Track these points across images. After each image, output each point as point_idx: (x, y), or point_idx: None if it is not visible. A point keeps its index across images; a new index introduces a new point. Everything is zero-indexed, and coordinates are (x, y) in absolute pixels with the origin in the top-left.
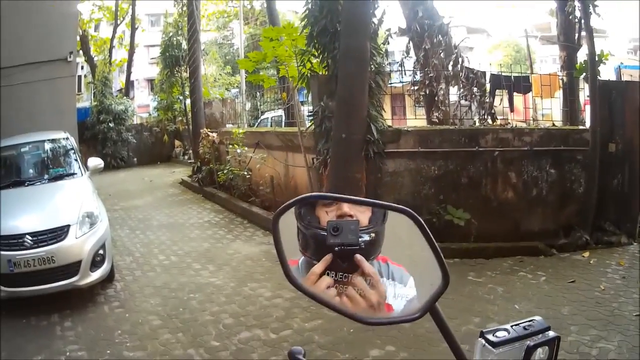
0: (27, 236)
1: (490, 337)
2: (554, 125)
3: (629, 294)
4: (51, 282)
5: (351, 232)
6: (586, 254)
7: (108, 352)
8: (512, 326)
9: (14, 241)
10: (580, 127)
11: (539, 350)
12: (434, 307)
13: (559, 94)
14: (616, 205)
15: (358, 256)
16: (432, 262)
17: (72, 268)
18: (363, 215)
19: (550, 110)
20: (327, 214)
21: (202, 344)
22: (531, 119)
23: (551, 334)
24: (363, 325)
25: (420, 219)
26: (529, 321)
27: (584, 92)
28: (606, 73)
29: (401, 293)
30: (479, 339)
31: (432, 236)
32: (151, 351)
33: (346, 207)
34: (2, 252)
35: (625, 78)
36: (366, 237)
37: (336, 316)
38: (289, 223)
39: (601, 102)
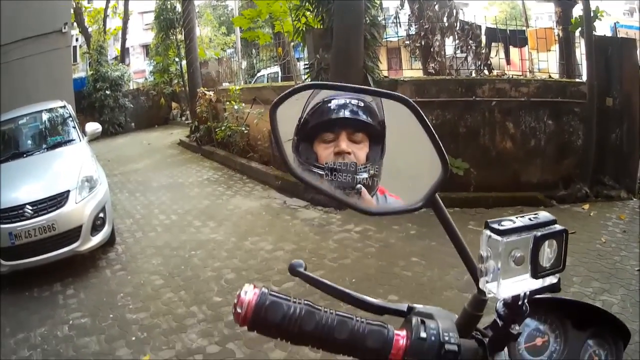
0: (27, 206)
1: (496, 226)
2: (550, 77)
3: (630, 248)
4: (53, 250)
5: (349, 173)
6: (586, 207)
7: (111, 316)
8: (517, 217)
9: (14, 213)
10: (577, 80)
11: (547, 250)
12: (434, 198)
13: (555, 48)
14: (615, 160)
15: (359, 186)
16: (431, 153)
17: (73, 234)
18: (361, 151)
19: (546, 63)
20: (325, 150)
21: (204, 301)
22: (528, 71)
23: (558, 227)
24: (365, 275)
25: (417, 106)
26: (534, 214)
27: (580, 48)
28: (602, 30)
29: None
30: (484, 230)
31: (429, 123)
32: (154, 311)
33: (344, 145)
34: (4, 225)
35: (621, 35)
36: (364, 175)
37: (338, 267)
38: (287, 113)
39: (597, 57)
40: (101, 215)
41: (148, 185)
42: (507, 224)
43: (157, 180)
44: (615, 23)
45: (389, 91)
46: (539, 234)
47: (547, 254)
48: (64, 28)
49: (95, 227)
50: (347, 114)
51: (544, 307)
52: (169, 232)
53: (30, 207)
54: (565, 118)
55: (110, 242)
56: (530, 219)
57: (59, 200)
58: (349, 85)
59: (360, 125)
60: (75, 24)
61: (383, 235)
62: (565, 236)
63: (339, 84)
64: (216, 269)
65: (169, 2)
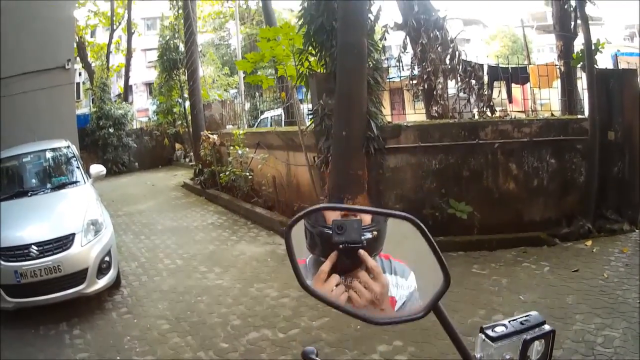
0: (33, 246)
1: (489, 332)
2: (552, 115)
3: (632, 281)
4: (58, 291)
5: (354, 231)
6: (589, 243)
7: (118, 358)
8: (509, 321)
9: (20, 252)
10: (579, 116)
11: (536, 343)
12: (437, 306)
13: (557, 83)
14: (617, 193)
15: (361, 252)
16: (434, 264)
17: (79, 276)
18: (366, 215)
19: (548, 100)
20: (332, 214)
21: (211, 346)
22: (530, 109)
23: (547, 327)
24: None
25: (422, 225)
26: (526, 316)
27: (581, 81)
28: (603, 61)
29: (403, 285)
30: (479, 334)
31: (433, 240)
32: (161, 355)
33: None
34: (9, 263)
35: (622, 65)
36: (369, 235)
37: (343, 314)
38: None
39: (599, 91)
40: (107, 258)
41: (153, 227)
42: (499, 330)
43: (162, 223)
44: (616, 52)
45: (396, 212)
46: (528, 337)
47: (537, 348)
48: (67, 64)
49: (101, 270)
50: (372, 214)
51: None
52: (174, 276)
53: (35, 248)
54: (567, 155)
55: (115, 284)
56: (521, 322)
57: (64, 242)
58: (358, 207)
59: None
60: (78, 58)
61: None
62: (553, 335)
63: (349, 206)
64: (222, 315)
65: (172, 42)
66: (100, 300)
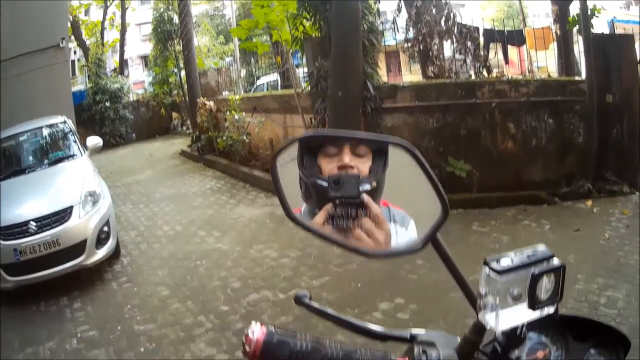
0: (31, 222)
1: (494, 265)
2: (549, 76)
3: (633, 243)
4: (58, 264)
5: (352, 186)
6: (589, 203)
7: (119, 328)
8: (515, 254)
9: (19, 229)
10: (577, 78)
11: (545, 280)
12: (435, 238)
13: (554, 46)
14: (617, 155)
15: (366, 197)
16: (432, 194)
17: (78, 248)
18: (364, 165)
19: (545, 62)
20: (328, 163)
21: (211, 310)
22: (527, 71)
23: (556, 262)
24: (370, 279)
25: (416, 151)
26: (532, 249)
27: (578, 46)
28: (600, 27)
29: (403, 234)
30: (484, 266)
31: (428, 167)
32: (162, 322)
33: (347, 159)
34: (8, 242)
35: (618, 31)
36: (367, 187)
37: (343, 272)
38: (287, 165)
39: (596, 54)
40: (105, 228)
41: (151, 196)
42: (505, 262)
43: (160, 191)
44: (612, 19)
45: (387, 137)
46: (536, 271)
47: (545, 285)
48: (62, 43)
49: (100, 241)
50: (364, 142)
51: (545, 321)
52: (173, 243)
53: (34, 223)
54: (565, 116)
55: (115, 254)
56: (528, 256)
57: (62, 215)
58: (347, 134)
59: (363, 140)
60: (72, 37)
61: None
62: (563, 271)
63: (339, 133)
64: (222, 279)
65: (165, 14)
66: (100, 271)
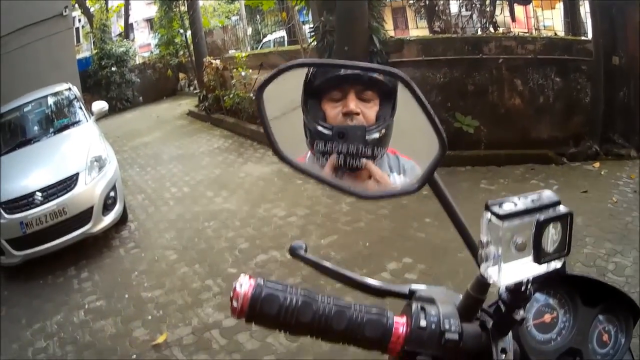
0: (37, 193)
1: (496, 209)
2: (556, 35)
3: None
4: (65, 234)
5: (358, 138)
6: (597, 165)
7: (126, 296)
8: (519, 198)
9: (24, 201)
10: (583, 38)
11: (551, 232)
12: (432, 178)
13: (560, 5)
14: (623, 119)
15: (368, 163)
16: (429, 130)
17: (85, 216)
18: (370, 110)
19: (551, 20)
20: (333, 109)
21: (219, 273)
22: (533, 28)
23: (562, 208)
24: (379, 238)
25: (411, 82)
26: (537, 193)
27: (584, 7)
28: None
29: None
30: (485, 211)
31: (425, 100)
32: (169, 288)
33: (352, 105)
34: (14, 215)
35: None
36: (375, 135)
37: (352, 230)
38: (276, 95)
39: (602, 16)
40: (112, 194)
41: (158, 158)
42: (508, 207)
43: (168, 153)
44: None
45: (382, 66)
46: (542, 217)
47: (552, 236)
48: (65, 11)
49: (107, 207)
50: (356, 70)
51: (553, 283)
52: (181, 204)
53: (40, 194)
54: (572, 75)
55: (122, 220)
56: (532, 200)
57: (68, 183)
58: (339, 61)
59: (370, 83)
60: (76, 5)
61: None
62: (570, 219)
63: (327, 60)
64: (230, 240)
65: None
66: (107, 238)
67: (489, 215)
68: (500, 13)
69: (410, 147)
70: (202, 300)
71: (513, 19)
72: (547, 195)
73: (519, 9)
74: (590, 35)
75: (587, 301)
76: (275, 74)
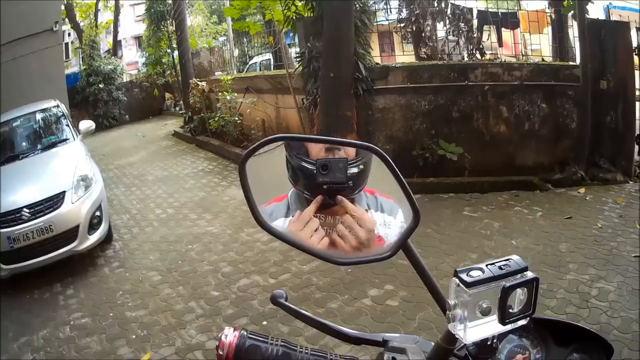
0: (25, 209)
1: (464, 276)
2: (543, 60)
3: (627, 233)
4: (51, 251)
5: (340, 170)
6: (582, 190)
7: (111, 314)
8: (487, 265)
9: (12, 217)
10: (571, 63)
11: (518, 292)
12: (406, 244)
13: (548, 30)
14: (610, 143)
15: (339, 198)
16: (404, 200)
17: (71, 234)
18: (351, 149)
19: (539, 45)
20: (316, 146)
21: (202, 295)
22: (520, 54)
23: (529, 274)
24: (361, 266)
25: (386, 155)
26: (506, 260)
27: (573, 30)
28: (595, 13)
29: (392, 223)
30: (453, 278)
31: (399, 173)
32: (153, 308)
33: None
34: (2, 230)
35: (614, 18)
36: (354, 170)
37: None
38: (258, 165)
39: (591, 40)
40: (97, 213)
41: (144, 178)
42: (475, 274)
43: (153, 173)
44: (608, 5)
45: (357, 142)
46: (507, 284)
47: (518, 297)
48: (55, 26)
49: (92, 226)
50: (333, 145)
51: (525, 325)
52: (165, 226)
53: (27, 210)
54: (559, 101)
55: (107, 239)
56: (500, 267)
57: (55, 201)
58: (318, 137)
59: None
60: (66, 19)
61: None
62: (536, 284)
63: (307, 136)
64: (213, 263)
65: None
66: (92, 257)
67: (456, 281)
68: (488, 38)
69: (397, 196)
70: (185, 321)
71: (500, 43)
72: (516, 261)
73: (506, 34)
74: (578, 60)
75: (559, 341)
76: (257, 146)
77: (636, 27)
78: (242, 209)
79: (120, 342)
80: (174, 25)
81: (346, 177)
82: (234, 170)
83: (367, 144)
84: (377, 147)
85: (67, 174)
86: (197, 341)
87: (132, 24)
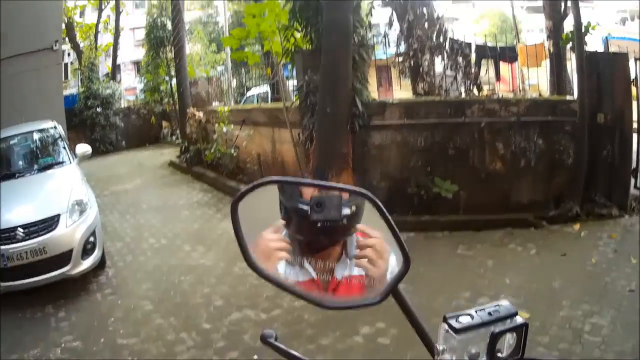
0: (19, 229)
1: (452, 322)
2: (540, 95)
3: (621, 268)
4: (43, 273)
5: (334, 208)
6: (577, 226)
7: (102, 340)
8: (477, 311)
9: (6, 235)
10: (568, 97)
11: (508, 336)
12: (396, 290)
13: (546, 63)
14: (606, 177)
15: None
16: (395, 246)
17: (64, 257)
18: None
19: (537, 80)
20: (309, 187)
21: (193, 327)
22: (518, 88)
23: (519, 320)
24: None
25: (378, 202)
26: (495, 306)
27: (571, 63)
28: (593, 44)
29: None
30: (442, 323)
31: (390, 219)
32: (144, 337)
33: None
34: None
35: (613, 49)
36: (347, 211)
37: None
38: (250, 205)
39: (589, 73)
40: (91, 239)
41: (138, 206)
42: (464, 320)
43: (148, 202)
44: (607, 36)
45: (350, 187)
46: (496, 330)
47: (507, 342)
48: (55, 45)
49: (86, 251)
50: (325, 189)
51: None
52: (158, 255)
53: (21, 230)
54: (555, 137)
55: (100, 265)
56: (490, 313)
57: (49, 223)
58: (310, 181)
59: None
60: (66, 39)
61: None
62: (525, 329)
63: (299, 179)
64: (205, 295)
65: (159, 20)
66: (85, 282)
67: (445, 327)
68: (486, 73)
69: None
70: (176, 352)
71: (498, 78)
72: (506, 306)
73: (504, 68)
74: (575, 94)
75: None
76: (249, 189)
77: (635, 58)
78: (235, 243)
79: None
80: (172, 52)
81: (340, 215)
82: (228, 204)
83: (359, 190)
84: (369, 194)
85: (62, 197)
86: None
87: (132, 48)
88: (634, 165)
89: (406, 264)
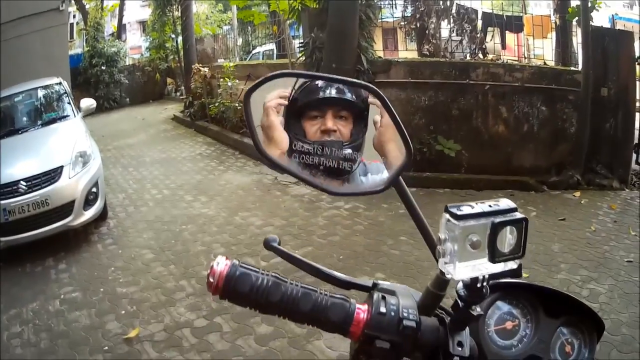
0: (22, 182)
1: (454, 210)
2: (545, 64)
3: (620, 238)
4: (46, 225)
5: (335, 151)
6: (577, 194)
7: (102, 290)
8: (477, 203)
9: (9, 189)
10: (573, 68)
11: (508, 233)
12: (398, 180)
13: (552, 35)
14: (609, 149)
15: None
16: (399, 140)
17: (66, 208)
18: (346, 128)
19: (542, 50)
20: (312, 126)
21: (193, 275)
22: (523, 56)
23: (518, 214)
24: (352, 252)
25: (382, 94)
26: (495, 201)
27: (576, 37)
28: (600, 21)
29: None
30: (444, 213)
31: (394, 111)
32: (144, 285)
33: (330, 123)
34: None
35: (618, 27)
36: (349, 151)
37: (326, 243)
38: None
39: (594, 47)
40: (94, 189)
41: (141, 160)
42: (465, 209)
43: (150, 155)
44: (613, 15)
45: (356, 80)
46: (497, 220)
47: (508, 240)
48: (61, 6)
49: (88, 202)
50: (333, 93)
51: (516, 292)
52: (160, 206)
53: (24, 183)
54: (559, 105)
55: (102, 216)
56: (490, 206)
57: (52, 175)
58: (319, 74)
59: (345, 104)
60: (72, 1)
61: (372, 214)
62: (525, 224)
63: (310, 72)
64: (206, 244)
65: None
66: (87, 233)
67: (447, 215)
68: (491, 40)
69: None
70: (175, 299)
71: (504, 46)
72: (505, 202)
73: (510, 37)
74: (580, 66)
75: (549, 312)
76: (262, 81)
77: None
78: (237, 193)
79: (110, 317)
80: (179, 10)
81: (341, 159)
82: (231, 156)
83: (364, 83)
84: (371, 86)
85: (65, 149)
86: (186, 319)
87: (138, 8)
88: (636, 140)
89: (409, 155)
